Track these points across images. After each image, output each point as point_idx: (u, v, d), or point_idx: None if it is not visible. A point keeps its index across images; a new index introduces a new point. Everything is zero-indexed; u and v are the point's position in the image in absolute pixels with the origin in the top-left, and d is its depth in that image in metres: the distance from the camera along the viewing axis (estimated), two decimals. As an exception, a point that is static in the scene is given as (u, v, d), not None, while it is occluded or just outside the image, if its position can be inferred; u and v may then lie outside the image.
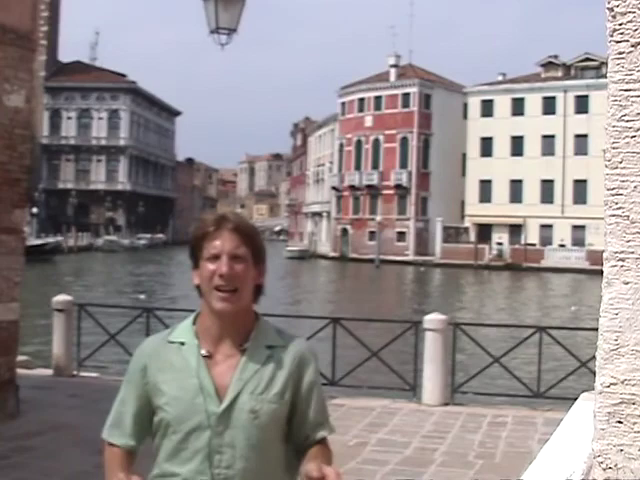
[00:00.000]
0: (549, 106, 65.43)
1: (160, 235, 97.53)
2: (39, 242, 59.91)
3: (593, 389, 1.42)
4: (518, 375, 9.81)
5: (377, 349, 9.96)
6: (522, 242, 64.28)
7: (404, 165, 72.33)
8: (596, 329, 1.41)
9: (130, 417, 2.00)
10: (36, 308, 17.98)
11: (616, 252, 1.38)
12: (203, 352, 1.96)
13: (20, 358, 8.94)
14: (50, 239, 65.03)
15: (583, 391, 2.51)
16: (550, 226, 64.88)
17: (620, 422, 1.36)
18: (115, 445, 2.01)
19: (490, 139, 68.10)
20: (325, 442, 2.04)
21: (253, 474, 1.92)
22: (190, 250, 2.00)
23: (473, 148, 69.41)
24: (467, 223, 68.73)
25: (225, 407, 1.91)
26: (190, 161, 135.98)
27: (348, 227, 75.58)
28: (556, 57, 69.49)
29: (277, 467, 1.98)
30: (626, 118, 1.38)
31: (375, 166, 74.01)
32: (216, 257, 1.93)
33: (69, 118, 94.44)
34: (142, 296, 29.30)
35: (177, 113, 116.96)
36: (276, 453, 1.97)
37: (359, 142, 75.66)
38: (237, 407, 1.92)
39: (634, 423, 1.36)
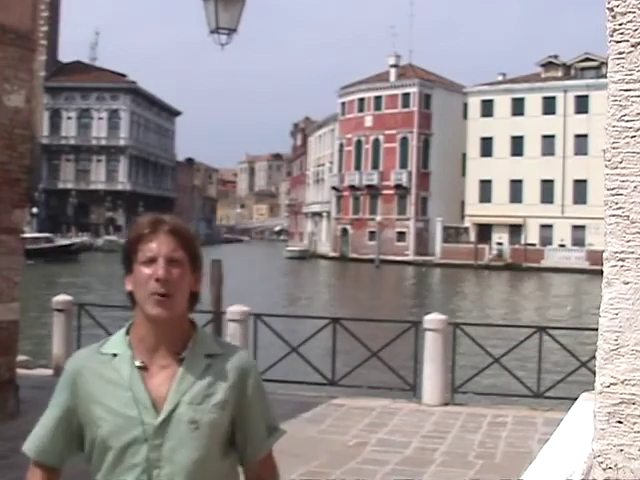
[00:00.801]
0: (549, 106, 65.42)
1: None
2: (66, 242, 63.57)
3: (593, 389, 1.42)
4: (518, 375, 9.81)
5: (377, 349, 9.97)
6: (522, 242, 64.25)
7: (404, 165, 72.34)
8: (596, 329, 1.40)
9: (59, 433, 1.90)
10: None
11: (616, 252, 1.38)
12: (137, 363, 1.86)
13: (20, 358, 8.94)
14: (76, 239, 68.93)
15: (583, 391, 2.50)
16: (550, 226, 64.87)
17: (620, 422, 1.36)
18: (39, 463, 1.92)
19: (490, 139, 68.09)
20: (268, 458, 1.99)
21: None
22: (123, 254, 1.89)
23: (473, 148, 69.40)
24: (467, 223, 68.71)
25: (163, 419, 1.82)
26: (190, 161, 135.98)
27: (348, 227, 75.58)
28: (556, 57, 69.49)
29: None
30: (626, 118, 1.38)
31: (375, 166, 74.01)
32: (152, 260, 1.83)
33: (69, 118, 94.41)
34: None
35: (177, 113, 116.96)
36: (216, 467, 1.88)
37: (359, 142, 75.66)
38: (175, 418, 1.82)
39: (634, 423, 1.36)
